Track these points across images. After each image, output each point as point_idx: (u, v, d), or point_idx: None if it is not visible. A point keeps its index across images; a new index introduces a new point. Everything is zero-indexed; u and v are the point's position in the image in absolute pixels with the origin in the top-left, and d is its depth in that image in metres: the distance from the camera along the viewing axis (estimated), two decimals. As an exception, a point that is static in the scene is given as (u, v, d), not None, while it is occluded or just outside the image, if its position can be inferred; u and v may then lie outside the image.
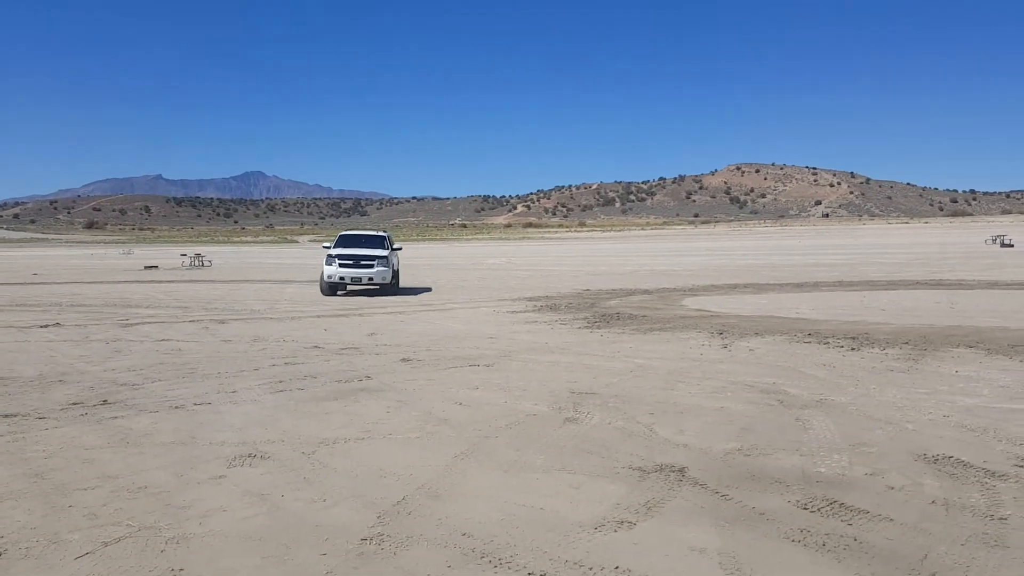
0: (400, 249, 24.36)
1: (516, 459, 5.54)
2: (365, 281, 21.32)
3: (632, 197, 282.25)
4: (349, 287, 21.73)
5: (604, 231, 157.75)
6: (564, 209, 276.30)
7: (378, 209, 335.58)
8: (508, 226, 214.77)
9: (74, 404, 7.38)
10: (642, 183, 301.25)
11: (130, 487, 4.91)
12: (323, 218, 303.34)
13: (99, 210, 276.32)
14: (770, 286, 22.24)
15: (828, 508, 4.53)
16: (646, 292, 21.05)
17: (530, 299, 19.38)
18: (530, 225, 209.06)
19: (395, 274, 22.55)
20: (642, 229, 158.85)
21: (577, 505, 4.64)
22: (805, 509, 4.52)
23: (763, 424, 6.50)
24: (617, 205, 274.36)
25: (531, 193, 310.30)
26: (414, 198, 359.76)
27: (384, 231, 24.95)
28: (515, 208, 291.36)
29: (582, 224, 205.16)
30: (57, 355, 10.52)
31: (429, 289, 23.52)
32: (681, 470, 5.29)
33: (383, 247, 22.68)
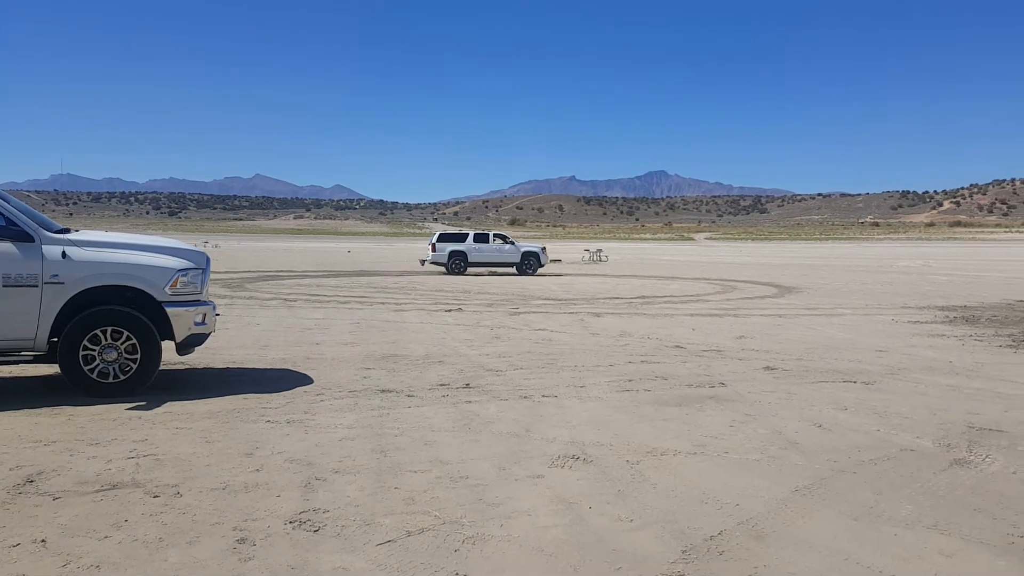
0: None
1: (873, 505, 4.51)
2: None
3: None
4: None
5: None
6: (1004, 206, 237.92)
7: (779, 207, 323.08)
8: (930, 225, 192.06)
9: (441, 385, 7.93)
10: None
11: (453, 475, 4.99)
12: (720, 216, 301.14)
13: (521, 208, 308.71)
14: None
15: None
16: (1107, 306, 16.80)
17: (942, 308, 16.71)
18: (958, 224, 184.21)
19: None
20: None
21: (944, 581, 3.55)
22: None
23: None
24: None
25: (962, 188, 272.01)
26: (819, 195, 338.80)
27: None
28: (940, 205, 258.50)
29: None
30: (447, 338, 11.56)
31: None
32: (1116, 556, 3.82)
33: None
